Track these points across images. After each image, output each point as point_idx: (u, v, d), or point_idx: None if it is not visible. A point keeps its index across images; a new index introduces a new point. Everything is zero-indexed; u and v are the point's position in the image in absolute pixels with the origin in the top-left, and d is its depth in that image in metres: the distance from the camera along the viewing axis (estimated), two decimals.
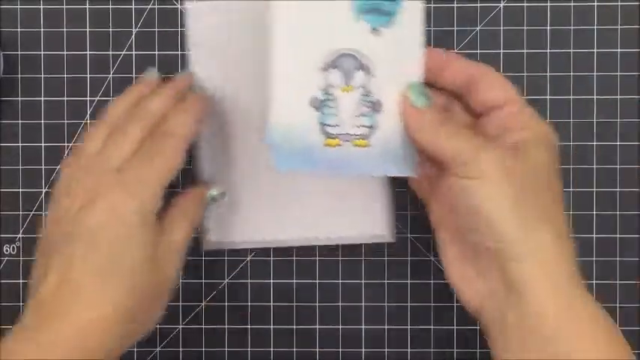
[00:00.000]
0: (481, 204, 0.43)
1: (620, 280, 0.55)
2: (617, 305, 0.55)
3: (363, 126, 0.47)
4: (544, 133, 0.46)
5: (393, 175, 0.48)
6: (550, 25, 0.55)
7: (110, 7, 0.55)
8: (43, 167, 0.56)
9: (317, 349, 0.56)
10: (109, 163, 0.46)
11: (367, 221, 0.54)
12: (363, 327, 0.56)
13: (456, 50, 0.55)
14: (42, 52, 0.55)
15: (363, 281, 0.55)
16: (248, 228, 0.54)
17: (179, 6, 0.54)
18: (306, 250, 0.55)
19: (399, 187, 0.55)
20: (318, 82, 0.47)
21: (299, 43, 0.47)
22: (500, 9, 0.55)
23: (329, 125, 0.47)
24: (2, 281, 0.56)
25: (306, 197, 0.54)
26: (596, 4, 0.55)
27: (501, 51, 0.55)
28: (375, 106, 0.47)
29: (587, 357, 0.42)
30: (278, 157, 0.47)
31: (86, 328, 0.43)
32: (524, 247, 0.43)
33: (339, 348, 0.56)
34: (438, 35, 0.55)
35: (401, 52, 0.47)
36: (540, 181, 0.45)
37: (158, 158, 0.47)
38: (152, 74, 0.52)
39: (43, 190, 0.56)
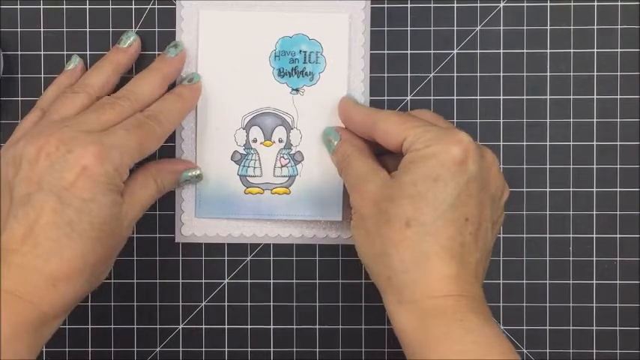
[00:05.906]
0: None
1: (620, 280, 0.55)
2: (618, 305, 0.55)
3: (284, 176, 0.54)
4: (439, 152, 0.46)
5: (318, 219, 0.54)
6: (550, 25, 0.55)
7: (110, 7, 0.55)
8: None
9: (317, 349, 0.56)
10: (80, 124, 0.47)
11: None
12: (362, 327, 0.56)
13: (455, 50, 0.55)
14: (42, 52, 0.55)
15: (362, 281, 0.55)
16: (221, 222, 0.55)
17: (178, 6, 0.54)
18: (306, 250, 0.55)
19: None
20: (239, 139, 0.53)
21: (222, 105, 0.53)
22: (500, 9, 0.55)
23: (250, 176, 0.54)
24: None
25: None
26: (596, 4, 0.55)
27: (501, 51, 0.55)
28: (296, 157, 0.54)
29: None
30: (200, 206, 0.54)
31: (56, 281, 0.44)
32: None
33: (339, 348, 0.56)
34: (438, 35, 0.55)
35: (322, 106, 0.53)
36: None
37: (141, 137, 0.48)
38: (74, 63, 0.53)
39: None
